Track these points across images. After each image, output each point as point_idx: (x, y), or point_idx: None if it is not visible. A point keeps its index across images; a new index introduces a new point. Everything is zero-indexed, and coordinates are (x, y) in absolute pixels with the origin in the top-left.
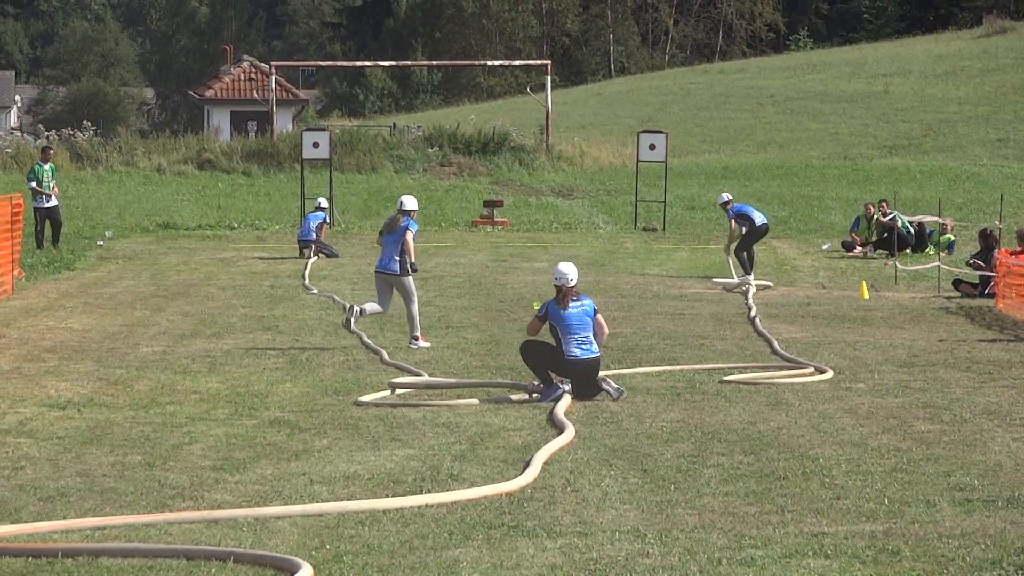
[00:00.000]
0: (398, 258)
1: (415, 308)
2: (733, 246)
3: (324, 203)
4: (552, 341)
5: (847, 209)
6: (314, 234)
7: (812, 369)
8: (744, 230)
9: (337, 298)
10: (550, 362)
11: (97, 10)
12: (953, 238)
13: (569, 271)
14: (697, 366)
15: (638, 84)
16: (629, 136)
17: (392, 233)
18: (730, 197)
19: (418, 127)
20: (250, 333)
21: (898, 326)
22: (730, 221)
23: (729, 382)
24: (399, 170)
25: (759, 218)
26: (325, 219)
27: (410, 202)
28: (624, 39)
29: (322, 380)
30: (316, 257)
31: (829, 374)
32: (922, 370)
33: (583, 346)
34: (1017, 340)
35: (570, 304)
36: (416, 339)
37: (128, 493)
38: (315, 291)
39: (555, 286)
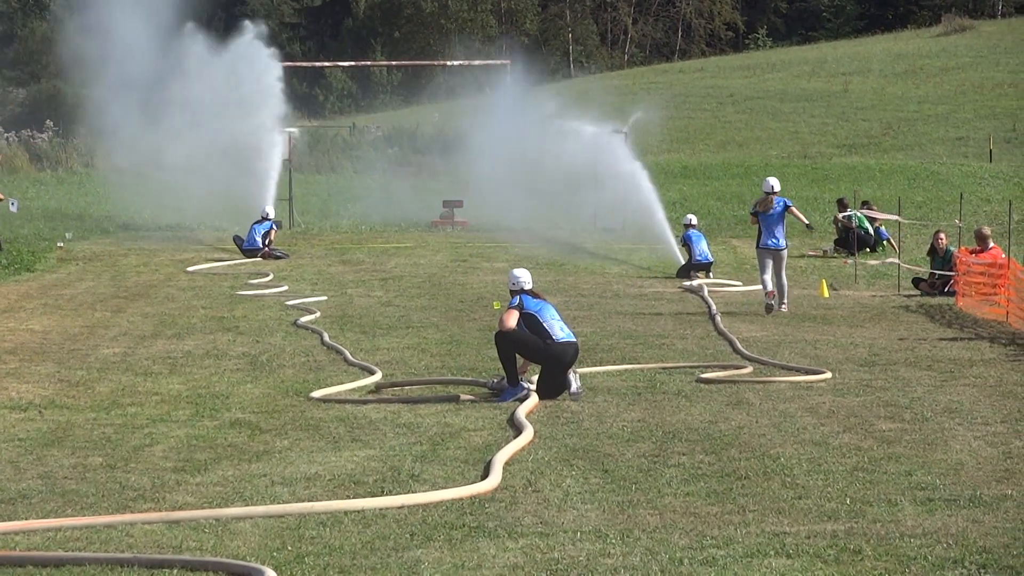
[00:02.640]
0: (782, 234)
1: (785, 278)
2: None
3: (270, 211)
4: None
5: (807, 208)
6: (259, 242)
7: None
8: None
9: (326, 336)
10: (530, 350)
11: (57, 12)
12: (883, 227)
13: (523, 275)
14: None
15: (597, 83)
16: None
17: (769, 214)
18: (691, 221)
19: (377, 127)
20: (211, 334)
21: (858, 325)
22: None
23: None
24: (358, 171)
25: (697, 253)
26: (272, 227)
27: (777, 183)
28: (583, 39)
29: (283, 381)
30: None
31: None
32: (883, 369)
33: (564, 329)
34: (977, 338)
35: (537, 299)
36: (785, 304)
37: (89, 495)
38: (304, 320)
39: (512, 292)
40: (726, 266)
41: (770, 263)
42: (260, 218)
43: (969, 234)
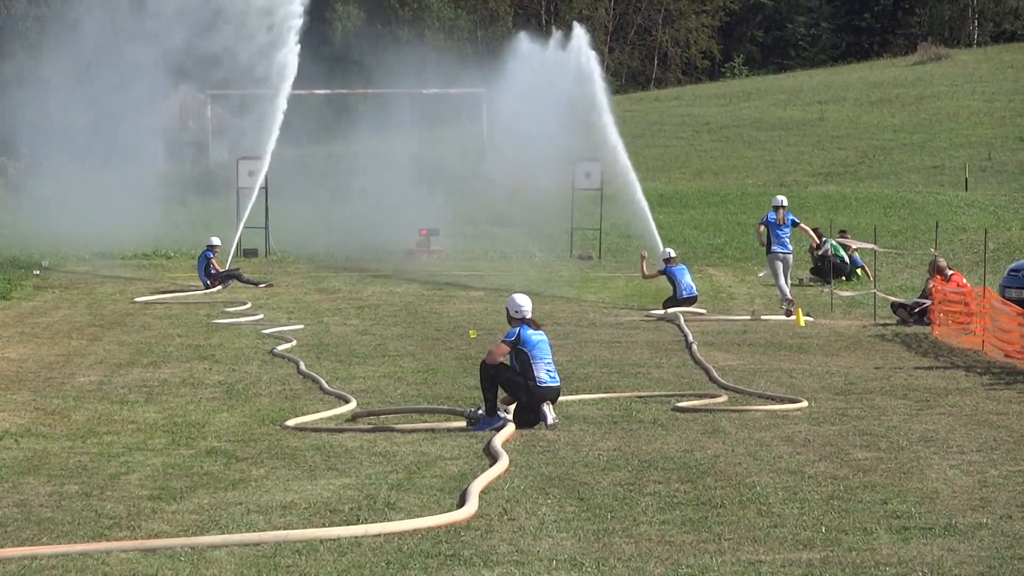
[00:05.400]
0: (789, 243)
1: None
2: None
3: (215, 241)
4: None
5: None
6: (207, 280)
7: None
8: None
9: (302, 365)
10: (510, 386)
11: (33, 39)
12: (857, 255)
13: (525, 303)
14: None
15: None
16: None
17: (783, 226)
18: (673, 255)
19: (355, 155)
20: (187, 362)
21: (834, 353)
22: (664, 275)
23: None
24: (335, 199)
25: (683, 287)
26: (207, 257)
27: (785, 198)
28: None
29: (259, 409)
30: (220, 287)
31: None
32: (859, 397)
33: (550, 373)
34: (953, 367)
35: (535, 332)
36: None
37: (65, 523)
38: (281, 349)
39: (513, 319)
40: (703, 295)
41: (780, 266)
42: (205, 248)
43: (953, 263)
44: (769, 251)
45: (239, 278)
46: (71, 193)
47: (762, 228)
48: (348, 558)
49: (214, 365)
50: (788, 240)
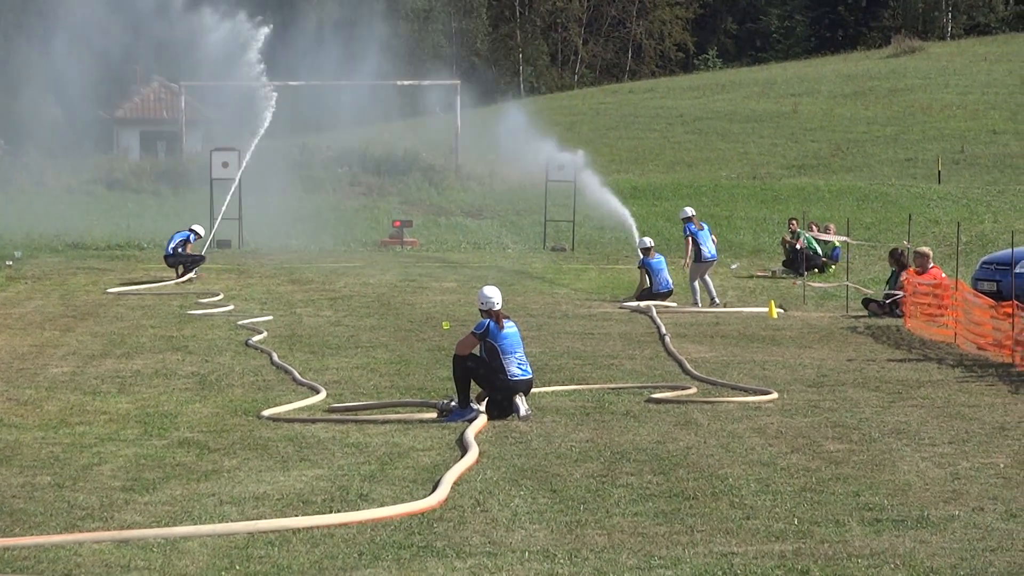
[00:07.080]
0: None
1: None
2: (688, 266)
3: (200, 230)
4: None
5: (756, 229)
6: (170, 251)
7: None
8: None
9: (275, 356)
10: (482, 380)
11: (7, 29)
12: (838, 245)
13: (494, 295)
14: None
15: (548, 104)
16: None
17: (703, 231)
18: (650, 245)
19: (327, 147)
20: (160, 353)
21: (807, 345)
22: (686, 238)
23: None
24: (308, 190)
25: (660, 282)
26: (188, 237)
27: (692, 210)
28: (533, 59)
29: (231, 400)
30: (194, 275)
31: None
32: (831, 390)
33: (522, 367)
34: (925, 359)
35: (504, 325)
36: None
37: (37, 514)
38: (254, 340)
39: (482, 311)
40: (677, 287)
41: (702, 270)
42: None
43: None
44: (699, 259)
45: (197, 261)
46: (43, 184)
47: (690, 240)
48: (321, 549)
49: (187, 356)
50: (713, 244)
